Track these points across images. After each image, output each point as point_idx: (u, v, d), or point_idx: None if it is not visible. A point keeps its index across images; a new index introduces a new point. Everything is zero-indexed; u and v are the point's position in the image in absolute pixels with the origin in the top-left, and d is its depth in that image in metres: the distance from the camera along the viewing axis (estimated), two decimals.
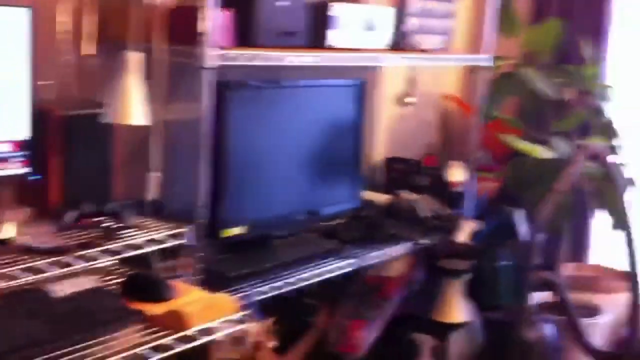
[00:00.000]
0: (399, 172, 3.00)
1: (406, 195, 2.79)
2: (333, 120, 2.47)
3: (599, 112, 3.02)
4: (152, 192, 1.85)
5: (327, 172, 2.46)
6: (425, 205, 2.74)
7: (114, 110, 1.74)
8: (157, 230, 1.78)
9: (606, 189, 2.71)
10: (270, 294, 2.09)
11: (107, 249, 1.66)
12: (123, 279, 1.75)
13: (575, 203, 3.12)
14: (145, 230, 1.76)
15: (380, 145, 3.12)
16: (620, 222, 2.74)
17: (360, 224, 2.57)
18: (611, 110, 3.01)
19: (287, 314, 2.32)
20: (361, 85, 2.55)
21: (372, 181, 3.02)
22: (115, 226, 1.75)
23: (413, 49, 2.60)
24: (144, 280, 1.70)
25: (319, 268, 2.24)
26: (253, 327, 1.94)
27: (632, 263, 2.69)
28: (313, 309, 2.53)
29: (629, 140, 3.02)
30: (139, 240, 1.71)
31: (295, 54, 2.09)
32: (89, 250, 1.62)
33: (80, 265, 1.60)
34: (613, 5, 3.19)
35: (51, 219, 1.72)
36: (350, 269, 2.34)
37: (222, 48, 1.87)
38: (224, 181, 2.08)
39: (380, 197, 2.80)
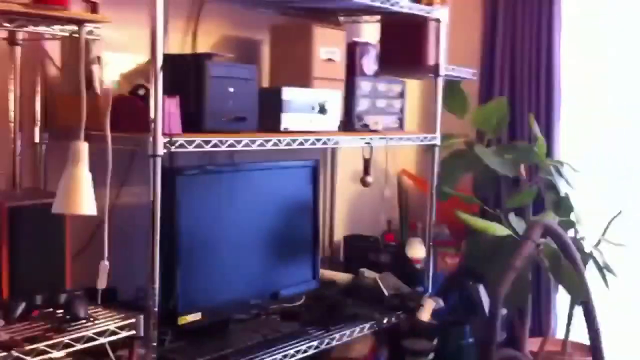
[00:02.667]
0: (358, 250, 3.01)
1: (367, 273, 2.79)
2: (288, 201, 2.49)
3: (552, 187, 3.09)
4: (102, 280, 1.82)
5: (284, 253, 2.46)
6: (387, 283, 2.74)
7: (62, 201, 1.73)
8: (109, 320, 1.75)
9: (563, 265, 2.74)
10: None
11: (58, 342, 1.62)
12: None
13: (536, 278, 3.15)
14: (97, 321, 1.73)
15: (339, 224, 3.14)
16: (579, 297, 2.75)
17: (321, 305, 2.55)
18: (565, 184, 3.07)
19: None
20: (314, 165, 2.58)
21: (332, 260, 3.03)
22: (66, 317, 1.71)
23: (364, 129, 2.65)
24: None
25: (281, 352, 2.21)
26: None
27: (594, 337, 2.69)
28: None
29: (586, 215, 3.07)
30: (90, 332, 1.67)
31: (247, 138, 2.11)
32: (38, 344, 1.58)
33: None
34: (557, 82, 3.31)
35: None
36: (311, 351, 2.31)
37: (170, 135, 1.89)
38: (177, 267, 2.06)
39: (341, 276, 2.80)
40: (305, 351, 2.28)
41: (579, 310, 2.82)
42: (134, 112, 1.94)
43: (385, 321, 2.61)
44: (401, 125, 2.88)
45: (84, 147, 1.77)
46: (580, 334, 3.00)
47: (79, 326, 1.69)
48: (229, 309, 2.27)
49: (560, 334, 3.27)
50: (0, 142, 1.98)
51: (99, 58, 2.03)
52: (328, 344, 2.37)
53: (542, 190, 3.10)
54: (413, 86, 3.34)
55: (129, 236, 2.15)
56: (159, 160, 1.86)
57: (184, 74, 2.07)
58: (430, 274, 2.95)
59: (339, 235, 3.12)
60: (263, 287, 2.39)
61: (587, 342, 2.75)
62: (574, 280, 2.73)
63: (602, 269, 2.90)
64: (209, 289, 2.18)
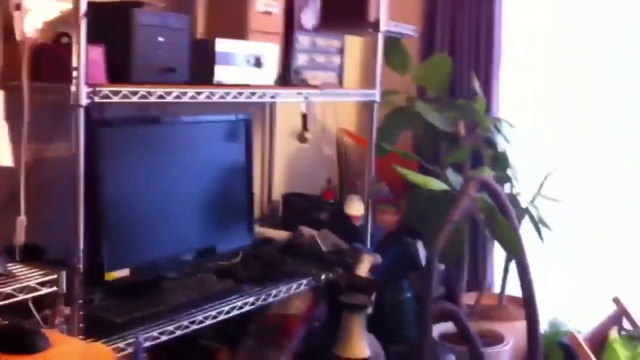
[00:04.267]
0: (297, 208, 2.99)
1: (305, 230, 2.77)
2: (221, 156, 2.44)
3: (490, 144, 3.11)
4: (20, 236, 1.76)
5: (218, 210, 2.42)
6: (325, 239, 2.73)
7: None
8: (30, 276, 1.69)
9: (499, 219, 2.77)
10: (162, 339, 2.01)
11: None
12: None
13: (473, 233, 3.19)
14: (17, 278, 1.66)
15: (278, 182, 3.10)
16: (513, 252, 2.80)
17: (258, 262, 2.53)
18: (503, 141, 3.09)
19: (183, 358, 2.24)
20: (247, 120, 2.53)
21: (271, 218, 3.00)
22: None
23: (302, 84, 2.61)
24: (13, 331, 1.59)
25: (215, 309, 2.18)
26: None
27: (527, 292, 2.74)
28: (213, 351, 2.45)
29: (522, 171, 3.10)
30: (7, 289, 1.61)
31: (178, 90, 2.05)
32: None
33: None
34: (498, 39, 3.31)
35: None
36: (248, 308, 2.29)
37: (94, 85, 1.81)
38: (103, 223, 2.00)
39: (279, 234, 2.77)
40: (240, 308, 2.26)
41: (514, 264, 2.87)
42: (56, 61, 1.86)
43: (323, 277, 2.60)
44: (340, 82, 2.84)
45: None
46: (516, 288, 3.06)
47: None
48: (159, 266, 2.22)
49: (496, 289, 3.33)
50: None
51: (19, 4, 1.94)
52: (264, 300, 2.35)
53: (480, 146, 3.12)
54: (354, 43, 3.29)
55: (53, 193, 2.07)
56: (81, 111, 1.79)
57: (111, 23, 1.99)
58: (369, 230, 2.95)
59: (278, 193, 3.09)
60: (197, 245, 2.34)
61: (521, 296, 2.80)
62: (509, 235, 2.77)
63: (537, 223, 2.94)
64: (138, 246, 2.12)
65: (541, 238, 2.94)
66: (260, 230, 2.73)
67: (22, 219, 1.77)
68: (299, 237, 2.75)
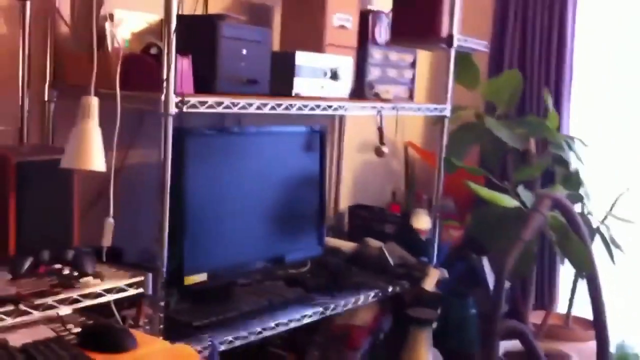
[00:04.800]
0: (363, 219, 3.01)
1: (372, 242, 2.79)
2: (296, 166, 2.47)
3: (562, 161, 3.07)
4: (107, 238, 1.82)
5: (290, 219, 2.45)
6: (392, 252, 2.74)
7: (72, 156, 1.72)
8: (117, 278, 1.74)
9: (570, 238, 2.73)
10: (235, 344, 2.05)
11: (65, 297, 1.61)
12: (82, 329, 1.69)
13: (540, 252, 3.15)
14: (105, 279, 1.72)
15: (344, 194, 3.13)
16: (584, 271, 2.75)
17: (326, 272, 2.55)
18: (575, 159, 3.06)
19: None
20: (322, 131, 2.56)
21: (337, 229, 3.02)
22: (73, 274, 1.70)
23: (375, 98, 2.63)
24: (103, 330, 1.64)
25: (285, 316, 2.21)
26: None
27: (598, 312, 2.69)
28: (279, 358, 2.48)
29: (594, 190, 3.06)
30: (97, 289, 1.67)
31: (259, 101, 2.09)
32: (46, 299, 1.58)
33: (37, 314, 1.55)
34: (571, 56, 3.27)
35: (6, 267, 1.67)
36: (316, 317, 2.31)
37: (182, 94, 1.87)
38: (184, 228, 2.06)
39: (346, 245, 2.79)
40: (310, 316, 2.29)
41: (582, 285, 2.82)
42: (145, 71, 1.92)
43: (390, 290, 2.61)
44: (411, 96, 2.86)
45: (94, 102, 1.76)
46: (582, 309, 3.01)
47: (87, 283, 1.68)
48: (234, 272, 2.27)
49: (562, 309, 3.28)
50: (9, 99, 1.96)
51: (110, 15, 2.01)
52: (333, 310, 2.37)
53: (551, 164, 3.08)
54: (424, 58, 3.30)
55: (135, 197, 2.14)
56: (170, 120, 1.85)
57: (197, 35, 2.05)
58: (435, 245, 2.94)
59: (344, 204, 3.11)
60: (268, 252, 2.38)
61: (589, 317, 2.75)
62: (581, 254, 2.72)
63: (609, 244, 2.89)
64: (215, 251, 2.17)
65: (612, 259, 2.88)
66: (327, 240, 2.75)
67: (110, 222, 1.82)
68: (365, 249, 2.76)
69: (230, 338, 2.02)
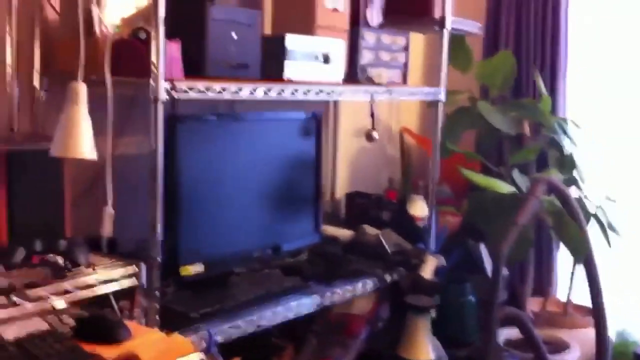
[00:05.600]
0: (360, 207, 2.97)
1: (369, 229, 2.75)
2: (291, 153, 2.43)
3: (556, 144, 3.04)
4: (106, 227, 1.77)
5: (287, 207, 2.42)
6: (388, 239, 2.70)
7: (62, 144, 1.68)
8: (111, 269, 1.70)
9: (566, 222, 2.71)
10: (232, 334, 2.01)
11: (59, 289, 1.57)
12: (76, 320, 1.65)
13: (537, 237, 3.13)
14: (98, 269, 1.68)
15: (341, 181, 3.09)
16: (581, 255, 2.73)
17: (323, 260, 2.51)
18: (569, 142, 3.03)
19: (250, 354, 2.23)
20: (317, 117, 2.52)
21: (334, 217, 2.99)
22: (67, 265, 1.66)
23: (368, 81, 2.59)
24: (97, 321, 1.60)
25: (282, 306, 2.17)
26: None
27: (596, 298, 2.67)
28: (277, 348, 2.45)
29: (589, 173, 3.03)
30: (92, 280, 1.63)
31: (251, 86, 2.05)
32: (39, 289, 1.54)
33: (30, 306, 1.51)
34: (566, 38, 3.24)
35: None
36: (314, 307, 2.28)
37: (172, 80, 1.82)
38: (178, 217, 2.01)
39: (343, 232, 2.76)
40: (307, 306, 2.25)
41: (580, 270, 2.80)
42: (134, 56, 1.88)
43: (387, 278, 2.58)
44: (405, 80, 2.82)
45: (82, 88, 1.72)
46: (581, 295, 2.99)
47: (80, 274, 1.64)
48: (231, 261, 2.23)
49: (560, 294, 3.26)
50: None
51: (98, 0, 1.97)
52: (331, 298, 2.34)
53: (545, 147, 3.06)
54: (416, 40, 3.26)
55: (126, 186, 2.09)
56: (161, 106, 1.80)
57: (186, 18, 2.00)
58: (432, 231, 2.91)
59: (340, 191, 3.08)
60: (265, 241, 2.35)
61: (588, 304, 2.73)
62: (577, 238, 2.70)
63: (605, 227, 2.87)
64: (210, 241, 2.13)
65: (608, 242, 2.86)
66: (324, 228, 2.72)
67: (109, 210, 1.78)
68: (362, 236, 2.73)
69: (227, 328, 1.98)
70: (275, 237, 2.37)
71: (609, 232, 2.89)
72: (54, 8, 2.01)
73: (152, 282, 1.80)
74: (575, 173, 3.01)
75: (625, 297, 3.12)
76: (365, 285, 2.49)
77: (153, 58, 1.80)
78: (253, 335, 2.11)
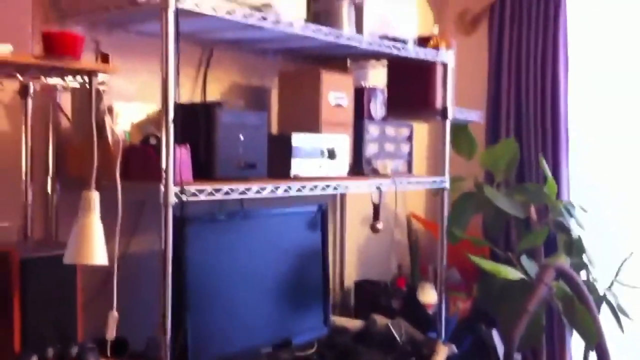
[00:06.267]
0: (369, 295, 2.98)
1: (379, 319, 2.76)
2: (298, 246, 2.47)
3: (563, 229, 3.06)
4: (111, 331, 1.80)
5: (295, 300, 2.44)
6: (399, 329, 2.70)
7: (74, 251, 1.73)
8: None
9: (577, 308, 2.70)
10: None
11: None
12: None
13: (549, 322, 3.11)
14: None
15: (349, 269, 3.11)
16: (593, 341, 2.71)
17: (334, 352, 2.51)
18: (577, 226, 3.05)
19: None
20: (323, 210, 2.57)
21: (343, 306, 3.00)
22: None
23: (374, 174, 2.65)
24: None
25: None
26: None
27: None
28: None
29: (598, 256, 3.04)
30: None
31: (258, 185, 2.11)
32: None
33: None
34: (563, 121, 3.31)
35: None
36: None
37: (181, 184, 1.88)
38: (187, 317, 2.04)
39: (352, 322, 2.76)
40: None
41: (594, 355, 2.77)
42: (145, 162, 1.94)
43: None
44: (409, 169, 2.88)
45: (95, 197, 1.78)
46: None
47: None
48: (240, 358, 2.23)
49: None
50: (12, 192, 1.98)
51: (110, 108, 2.05)
52: None
53: (552, 231, 3.08)
54: (420, 129, 3.34)
55: (138, 286, 2.13)
56: (170, 210, 1.86)
57: (195, 122, 2.07)
58: (443, 318, 2.91)
59: (349, 280, 3.10)
60: (274, 335, 2.36)
61: None
62: (588, 323, 2.69)
63: (616, 311, 2.86)
64: (219, 339, 2.15)
65: (621, 327, 2.84)
66: (333, 318, 2.73)
67: (114, 315, 1.81)
68: (372, 326, 2.73)
69: None
70: (285, 331, 2.39)
71: (620, 316, 2.87)
72: (66, 115, 2.09)
73: None
74: (584, 257, 3.02)
75: None
76: None
77: (163, 163, 1.86)
78: None
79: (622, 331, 2.83)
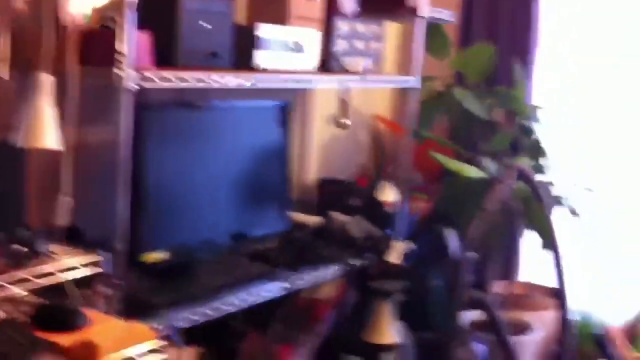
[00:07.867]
0: (331, 194, 2.99)
1: (338, 216, 2.78)
2: (259, 141, 2.45)
3: (527, 132, 3.08)
4: (63, 217, 1.79)
5: (253, 195, 2.44)
6: (357, 226, 2.74)
7: (26, 134, 1.69)
8: (71, 257, 1.72)
9: (534, 208, 2.76)
10: (196, 321, 2.04)
11: (17, 277, 1.59)
12: (34, 309, 1.67)
13: (505, 222, 3.17)
14: (59, 258, 1.70)
15: (312, 167, 3.11)
16: (548, 241, 2.78)
17: (291, 247, 2.54)
18: (539, 130, 3.07)
19: (215, 341, 2.27)
20: (285, 106, 2.54)
21: (305, 203, 3.01)
22: (27, 253, 1.68)
23: (341, 70, 2.60)
24: (54, 309, 1.63)
25: (248, 293, 2.20)
26: (175, 356, 1.89)
27: (561, 281, 2.73)
28: (242, 334, 2.48)
29: (556, 159, 3.07)
30: (51, 269, 1.65)
31: (220, 75, 2.06)
32: None
33: None
34: (538, 27, 3.25)
35: None
36: (280, 292, 2.31)
37: (140, 69, 1.83)
38: (143, 205, 2.03)
39: (312, 219, 2.79)
40: (273, 292, 2.28)
41: (544, 254, 2.86)
42: (104, 46, 1.87)
43: (354, 263, 2.62)
44: (378, 68, 2.83)
45: (47, 79, 1.72)
46: (545, 278, 3.05)
47: (40, 262, 1.66)
48: (196, 249, 2.25)
49: (524, 278, 3.32)
50: None
51: None
52: (297, 285, 2.37)
53: (516, 135, 3.09)
54: (391, 28, 3.27)
55: (97, 175, 2.10)
56: (126, 94, 1.81)
57: (157, 8, 1.99)
58: (402, 218, 2.95)
59: (312, 178, 3.10)
60: (233, 228, 2.37)
61: (552, 285, 2.79)
62: (544, 224, 2.75)
63: (572, 213, 2.93)
64: (176, 229, 2.16)
65: (574, 228, 2.92)
66: (293, 215, 2.75)
67: (65, 200, 1.79)
68: (330, 223, 2.76)
69: (189, 315, 2.01)
70: (243, 225, 2.40)
71: (574, 217, 2.95)
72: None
73: (114, 270, 1.82)
74: (544, 160, 3.06)
75: (590, 281, 3.19)
76: (332, 271, 2.52)
77: (120, 46, 1.80)
78: (216, 321, 2.14)
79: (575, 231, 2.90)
